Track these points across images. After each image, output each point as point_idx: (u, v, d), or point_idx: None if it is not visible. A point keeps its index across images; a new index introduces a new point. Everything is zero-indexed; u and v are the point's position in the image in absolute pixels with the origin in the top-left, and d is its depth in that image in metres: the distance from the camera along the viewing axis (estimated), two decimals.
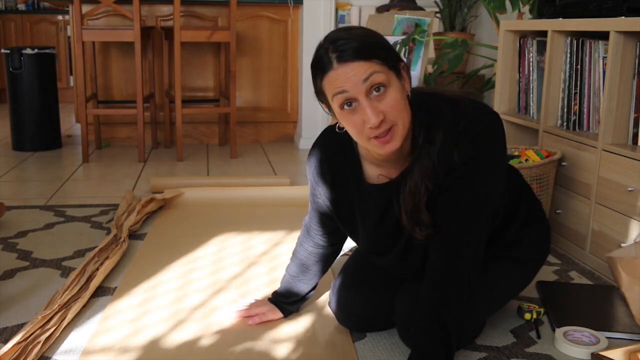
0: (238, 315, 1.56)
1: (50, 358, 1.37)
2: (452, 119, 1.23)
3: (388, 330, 1.51)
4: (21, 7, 6.08)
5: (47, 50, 3.65)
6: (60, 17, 5.98)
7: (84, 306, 1.60)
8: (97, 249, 1.93)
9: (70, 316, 1.51)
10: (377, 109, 1.16)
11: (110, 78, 3.86)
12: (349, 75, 1.15)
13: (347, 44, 1.15)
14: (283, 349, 1.42)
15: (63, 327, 1.48)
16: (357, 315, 1.49)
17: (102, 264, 1.82)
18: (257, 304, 1.59)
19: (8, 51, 3.57)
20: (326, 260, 1.56)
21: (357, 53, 1.15)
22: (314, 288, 1.60)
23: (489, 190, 1.26)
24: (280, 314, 1.57)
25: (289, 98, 4.06)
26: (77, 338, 1.46)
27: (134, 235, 2.17)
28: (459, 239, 1.26)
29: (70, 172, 3.15)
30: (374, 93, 1.16)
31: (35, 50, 3.58)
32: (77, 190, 2.82)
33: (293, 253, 1.59)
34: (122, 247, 1.96)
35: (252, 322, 1.53)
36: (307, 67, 3.99)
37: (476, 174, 1.24)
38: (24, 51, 3.55)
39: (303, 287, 1.57)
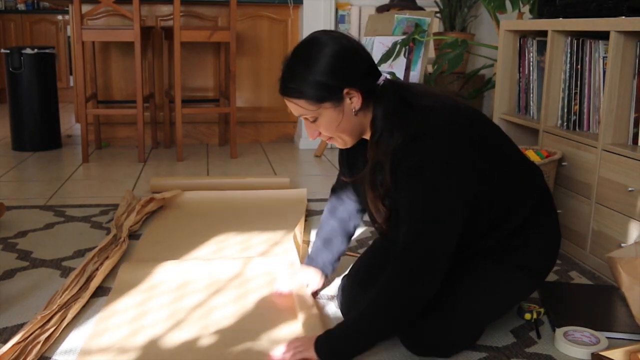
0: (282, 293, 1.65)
1: (50, 358, 1.37)
2: (404, 126, 1.29)
3: None
4: (21, 7, 6.08)
5: (47, 50, 3.65)
6: (60, 17, 5.98)
7: (84, 306, 1.60)
8: (96, 249, 1.93)
9: (70, 316, 1.51)
10: (312, 128, 1.36)
11: (110, 78, 3.86)
12: (289, 107, 1.36)
13: (282, 79, 1.33)
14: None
15: (63, 327, 1.47)
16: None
17: (101, 264, 1.82)
18: (296, 275, 1.68)
19: (8, 51, 3.57)
20: (351, 228, 1.68)
21: (286, 92, 1.33)
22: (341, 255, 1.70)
23: (436, 195, 1.26)
24: (321, 278, 1.67)
25: None
26: (77, 338, 1.45)
27: (133, 235, 2.17)
28: (415, 231, 1.27)
29: (70, 172, 3.15)
30: (308, 120, 1.35)
31: (35, 50, 3.58)
32: (77, 190, 2.82)
33: (318, 229, 1.70)
34: (122, 247, 1.96)
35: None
36: None
37: (417, 183, 1.27)
38: (23, 51, 3.55)
39: (331, 254, 1.67)
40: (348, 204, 1.66)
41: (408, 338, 1.40)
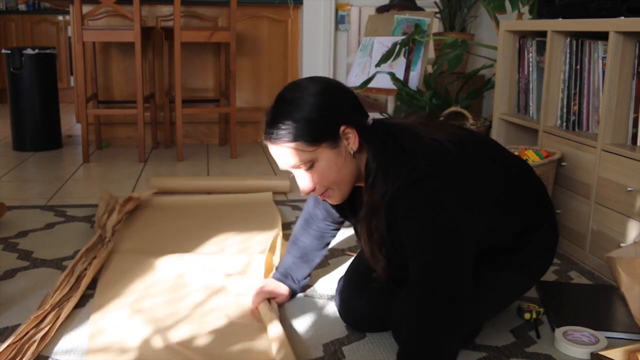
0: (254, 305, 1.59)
1: (49, 357, 1.37)
2: (398, 169, 1.21)
3: (388, 331, 1.51)
4: (22, 7, 6.08)
5: (48, 51, 3.65)
6: (60, 18, 5.98)
7: (77, 305, 1.61)
8: (83, 249, 1.93)
9: (63, 315, 1.52)
10: (306, 179, 1.26)
11: (110, 78, 3.86)
12: (277, 156, 1.25)
13: (270, 124, 1.23)
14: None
15: (57, 326, 1.48)
16: (359, 315, 1.51)
17: (90, 263, 1.83)
18: (262, 286, 1.63)
19: (9, 51, 3.58)
20: (327, 242, 1.67)
21: (277, 137, 1.22)
22: (314, 268, 1.70)
23: (440, 249, 1.19)
24: (286, 290, 1.64)
25: None
26: (75, 337, 1.46)
27: (117, 234, 2.17)
28: (423, 280, 1.20)
29: (71, 172, 3.16)
30: (302, 168, 1.24)
31: (36, 51, 3.58)
32: (77, 190, 2.82)
33: (292, 240, 1.67)
34: (108, 246, 1.97)
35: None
36: (307, 68, 4.00)
37: (420, 225, 1.20)
38: (24, 51, 3.55)
39: (305, 268, 1.67)
40: (323, 220, 1.63)
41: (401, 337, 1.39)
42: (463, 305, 1.19)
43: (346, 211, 1.46)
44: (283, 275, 1.66)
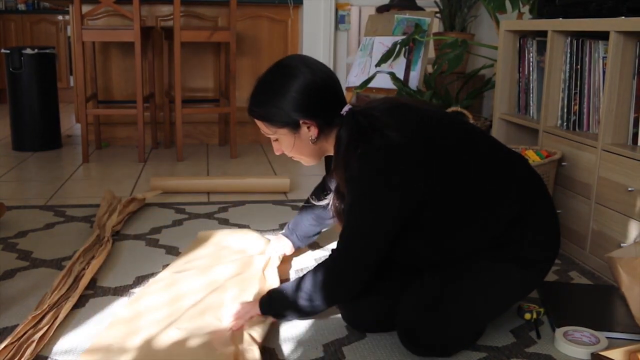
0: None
1: (48, 357, 1.37)
2: (358, 142, 1.37)
3: (388, 331, 1.51)
4: (21, 7, 6.08)
5: (47, 51, 3.65)
6: (60, 17, 5.98)
7: (76, 306, 1.61)
8: (81, 249, 1.93)
9: (62, 315, 1.51)
10: (276, 146, 1.51)
11: (110, 78, 3.86)
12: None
13: (250, 99, 1.47)
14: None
15: (56, 326, 1.48)
16: (359, 315, 1.51)
17: (88, 263, 1.83)
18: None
19: (8, 51, 3.57)
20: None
21: (250, 112, 1.47)
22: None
23: (366, 212, 1.35)
24: (290, 245, 1.89)
25: None
26: (74, 337, 1.46)
27: (116, 234, 2.17)
28: (346, 239, 1.38)
29: (70, 172, 3.15)
30: (271, 138, 1.49)
31: (36, 51, 3.58)
32: (77, 190, 2.82)
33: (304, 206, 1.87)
34: (107, 246, 1.97)
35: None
36: None
37: (354, 196, 1.37)
38: (24, 51, 3.55)
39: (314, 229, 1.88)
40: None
41: (406, 338, 1.40)
42: (358, 286, 1.39)
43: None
44: (289, 231, 1.90)
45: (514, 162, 1.48)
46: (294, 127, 1.42)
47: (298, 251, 1.97)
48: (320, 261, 1.46)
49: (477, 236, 1.40)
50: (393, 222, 1.35)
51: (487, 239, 1.40)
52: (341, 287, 1.40)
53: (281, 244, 1.90)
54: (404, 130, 1.35)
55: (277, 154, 1.53)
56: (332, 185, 1.61)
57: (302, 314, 1.46)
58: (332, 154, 1.47)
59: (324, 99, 1.42)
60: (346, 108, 1.42)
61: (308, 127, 1.42)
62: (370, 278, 1.40)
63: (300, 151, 1.48)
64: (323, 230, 1.91)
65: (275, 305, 1.47)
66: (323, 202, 1.71)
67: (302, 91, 1.39)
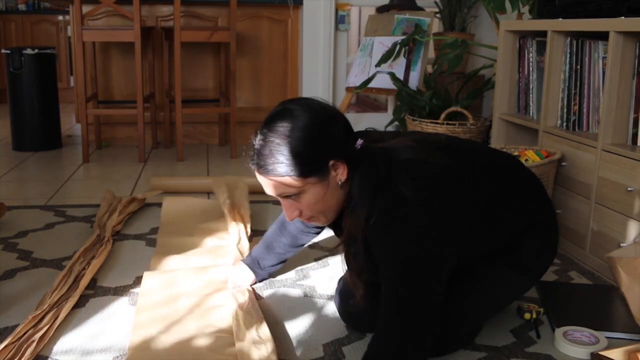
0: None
1: (48, 357, 1.37)
2: (378, 197, 1.21)
3: None
4: (21, 7, 6.08)
5: (48, 51, 3.65)
6: (60, 18, 5.98)
7: (76, 306, 1.61)
8: (81, 249, 1.93)
9: (62, 315, 1.52)
10: (293, 206, 1.27)
11: (110, 78, 3.86)
12: (265, 185, 1.26)
13: (258, 155, 1.22)
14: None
15: (56, 326, 1.48)
16: (358, 315, 1.51)
17: (88, 263, 1.83)
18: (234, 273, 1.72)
19: (8, 51, 3.57)
20: (302, 244, 1.73)
21: (266, 170, 1.22)
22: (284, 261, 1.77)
23: (418, 269, 1.19)
24: (252, 277, 1.72)
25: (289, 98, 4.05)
26: (74, 337, 1.46)
27: (116, 234, 2.17)
28: (394, 300, 1.19)
29: (71, 172, 3.15)
30: (289, 198, 1.25)
31: (36, 51, 3.58)
32: (77, 190, 2.82)
33: (264, 240, 1.73)
34: (107, 246, 1.97)
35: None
36: (307, 67, 4.00)
37: (390, 258, 1.20)
38: (24, 51, 3.55)
39: (273, 259, 1.74)
40: (299, 231, 1.68)
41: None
42: (428, 329, 1.20)
43: (334, 228, 1.45)
44: (251, 261, 1.74)
45: (518, 175, 1.46)
46: (323, 172, 1.22)
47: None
48: (319, 262, 1.42)
49: (482, 249, 1.40)
50: (444, 275, 1.23)
51: (493, 250, 1.41)
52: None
53: (243, 276, 1.72)
54: (428, 174, 1.26)
55: (291, 219, 1.28)
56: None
57: None
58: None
59: (338, 130, 1.24)
60: (360, 141, 1.26)
61: (336, 170, 1.23)
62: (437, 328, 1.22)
63: (328, 204, 1.26)
64: (289, 257, 1.76)
65: None
66: (301, 246, 1.69)
67: (314, 126, 1.21)
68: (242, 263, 1.75)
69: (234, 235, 1.98)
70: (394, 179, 1.22)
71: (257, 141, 1.23)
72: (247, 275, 1.73)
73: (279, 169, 1.21)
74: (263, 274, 1.75)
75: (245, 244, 1.94)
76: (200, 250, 1.99)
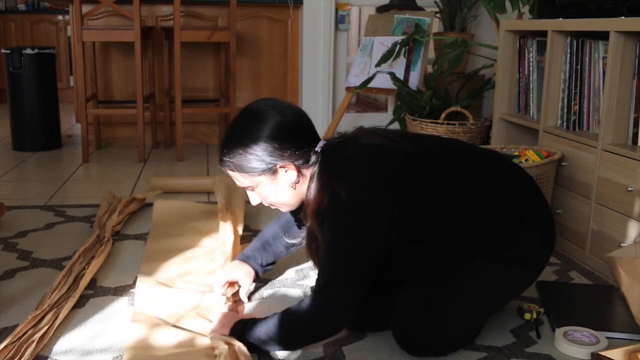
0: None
1: (48, 358, 1.37)
2: (334, 179, 1.33)
3: (388, 331, 1.51)
4: (21, 7, 6.08)
5: (47, 51, 3.65)
6: (60, 17, 5.98)
7: (76, 306, 1.61)
8: (81, 249, 1.93)
9: (62, 315, 1.51)
10: (254, 196, 1.45)
11: (110, 78, 3.86)
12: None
13: (220, 151, 1.39)
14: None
15: (56, 326, 1.48)
16: (359, 314, 1.50)
17: (88, 263, 1.83)
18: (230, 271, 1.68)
19: (8, 51, 3.57)
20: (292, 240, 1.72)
21: (222, 164, 1.40)
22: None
23: (350, 245, 1.31)
24: (249, 272, 1.67)
25: (289, 98, 4.06)
26: (74, 337, 1.46)
27: (116, 234, 2.17)
28: (330, 273, 1.33)
29: (71, 172, 3.15)
30: (247, 188, 1.43)
31: (35, 51, 3.58)
32: (77, 190, 2.82)
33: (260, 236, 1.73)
34: (107, 246, 1.97)
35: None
36: (307, 67, 4.00)
37: (334, 232, 1.33)
38: (24, 51, 3.55)
39: (270, 257, 1.72)
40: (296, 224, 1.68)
41: (402, 339, 1.41)
42: (341, 324, 1.35)
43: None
44: (246, 257, 1.70)
45: (500, 168, 1.48)
46: (272, 173, 1.37)
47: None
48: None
49: (475, 241, 1.41)
50: (377, 251, 1.33)
51: (482, 242, 1.41)
52: (330, 320, 1.33)
53: (243, 272, 1.68)
54: (382, 165, 1.34)
55: (255, 204, 1.46)
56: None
57: (281, 349, 1.39)
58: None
59: (296, 139, 1.36)
60: (321, 144, 1.39)
61: (285, 171, 1.37)
62: (357, 308, 1.34)
63: (281, 199, 1.42)
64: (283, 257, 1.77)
65: (252, 338, 1.37)
66: (296, 240, 1.64)
67: (274, 135, 1.34)
68: (237, 261, 1.71)
69: (221, 238, 1.97)
70: (342, 173, 1.33)
71: (223, 138, 1.41)
72: (247, 270, 1.67)
73: (232, 166, 1.38)
74: (260, 270, 1.72)
75: (228, 248, 1.88)
76: (190, 254, 1.97)
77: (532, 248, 1.45)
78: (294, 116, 1.38)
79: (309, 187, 1.39)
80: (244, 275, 1.66)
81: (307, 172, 1.39)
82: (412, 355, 1.41)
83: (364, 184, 1.32)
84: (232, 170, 1.38)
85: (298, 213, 1.51)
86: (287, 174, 1.38)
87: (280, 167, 1.36)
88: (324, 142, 1.40)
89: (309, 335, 1.37)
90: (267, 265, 1.72)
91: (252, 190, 1.42)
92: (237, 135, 1.37)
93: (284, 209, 1.49)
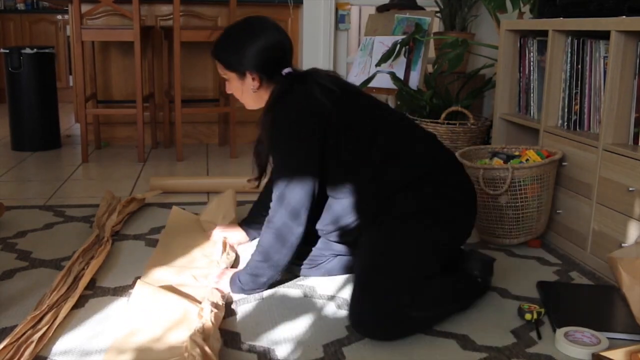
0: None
1: (47, 358, 1.37)
2: (279, 103, 1.66)
3: None
4: (20, 6, 6.08)
5: (47, 50, 3.65)
6: (59, 17, 5.98)
7: (75, 306, 1.60)
8: (80, 250, 1.93)
9: (61, 316, 1.51)
10: (227, 86, 1.77)
11: (109, 78, 3.85)
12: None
13: (215, 42, 1.73)
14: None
15: (55, 326, 1.47)
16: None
17: (87, 263, 1.83)
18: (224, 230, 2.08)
19: (7, 51, 3.57)
20: None
21: (212, 53, 1.74)
22: None
23: (286, 156, 1.64)
24: (244, 235, 2.08)
25: None
26: (74, 338, 1.45)
27: (116, 235, 2.17)
28: (281, 183, 1.62)
29: (70, 172, 3.15)
30: (224, 78, 1.76)
31: (35, 50, 3.58)
32: (76, 190, 2.82)
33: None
34: (107, 247, 1.97)
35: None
36: (307, 67, 3.99)
37: (273, 145, 1.67)
38: (23, 51, 3.55)
39: None
40: None
41: (352, 322, 1.50)
42: (303, 204, 1.59)
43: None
44: (246, 223, 2.10)
45: (431, 138, 1.71)
46: (241, 75, 1.69)
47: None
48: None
49: (383, 195, 1.59)
50: (313, 160, 1.60)
51: (390, 183, 1.59)
52: (295, 227, 1.60)
53: (234, 234, 2.07)
54: (313, 91, 1.63)
55: (228, 92, 1.79)
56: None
57: (272, 273, 1.66)
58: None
59: (272, 60, 1.68)
60: (287, 70, 1.69)
61: (253, 78, 1.68)
62: (311, 212, 1.61)
63: (242, 95, 1.75)
64: None
65: (246, 280, 1.67)
66: None
67: (257, 50, 1.66)
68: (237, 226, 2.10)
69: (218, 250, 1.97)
70: (291, 96, 1.65)
71: (221, 34, 1.73)
72: (239, 235, 2.06)
73: (216, 54, 1.73)
74: (255, 234, 2.05)
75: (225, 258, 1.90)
76: (193, 259, 1.97)
77: (433, 196, 1.58)
78: (282, 40, 1.70)
79: (268, 99, 1.69)
80: (237, 233, 2.06)
81: (269, 86, 1.70)
82: (367, 337, 1.47)
83: (297, 110, 1.63)
84: (215, 59, 1.72)
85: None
86: (253, 81, 1.69)
87: (247, 72, 1.68)
88: (291, 69, 1.70)
89: (283, 244, 1.61)
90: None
91: (227, 82, 1.75)
92: (232, 37, 1.70)
93: (247, 106, 1.80)
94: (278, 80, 1.69)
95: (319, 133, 1.60)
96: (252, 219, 2.10)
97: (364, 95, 1.76)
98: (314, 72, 1.72)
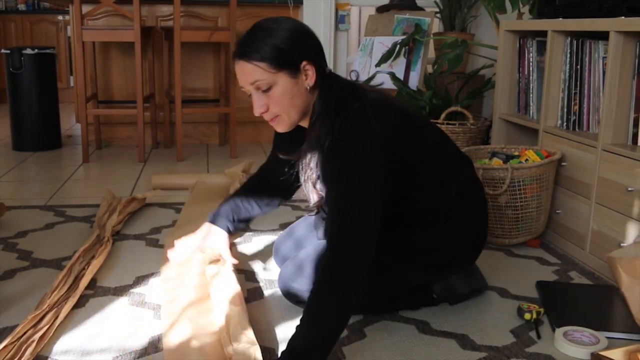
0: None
1: (48, 358, 1.37)
2: (336, 122, 1.35)
3: (388, 330, 1.51)
4: (21, 7, 6.08)
5: (47, 51, 3.65)
6: (60, 17, 5.98)
7: (76, 306, 1.61)
8: (81, 250, 1.93)
9: (62, 315, 1.51)
10: (262, 101, 1.37)
11: (110, 78, 3.86)
12: (241, 73, 1.36)
13: (242, 42, 1.36)
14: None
15: (56, 326, 1.48)
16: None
17: (88, 263, 1.83)
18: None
19: (8, 51, 3.57)
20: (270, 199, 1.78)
21: (245, 53, 1.34)
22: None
23: (349, 194, 1.31)
24: (226, 237, 1.71)
25: None
26: (74, 337, 1.46)
27: (116, 234, 2.17)
28: (335, 223, 1.31)
29: (71, 172, 3.15)
30: (261, 88, 1.36)
31: (36, 51, 3.58)
32: (77, 190, 2.82)
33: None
34: (107, 247, 1.97)
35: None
36: None
37: (334, 180, 1.35)
38: (24, 51, 3.55)
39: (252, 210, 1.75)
40: (273, 182, 1.74)
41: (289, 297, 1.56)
42: (365, 269, 1.28)
43: (293, 146, 1.51)
44: (214, 216, 1.72)
45: (464, 162, 1.62)
46: (295, 69, 1.35)
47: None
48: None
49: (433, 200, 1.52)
50: (377, 197, 1.33)
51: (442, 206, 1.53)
52: (349, 281, 1.26)
53: (215, 240, 1.70)
54: (378, 112, 1.38)
55: (258, 113, 1.39)
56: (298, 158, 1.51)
57: (334, 336, 1.27)
58: (305, 121, 1.45)
59: (315, 43, 1.39)
60: (329, 68, 1.43)
61: (306, 73, 1.37)
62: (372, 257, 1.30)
63: (295, 102, 1.37)
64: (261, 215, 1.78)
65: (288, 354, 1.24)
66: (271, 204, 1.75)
67: (297, 30, 1.36)
68: (207, 224, 1.72)
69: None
70: (354, 107, 1.36)
71: (244, 35, 1.37)
72: (218, 234, 1.70)
73: (258, 53, 1.33)
74: (232, 225, 1.71)
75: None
76: None
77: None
78: (310, 29, 1.41)
79: (315, 103, 1.40)
80: (216, 241, 1.70)
81: (318, 87, 1.39)
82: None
83: (366, 141, 1.33)
84: (257, 60, 1.33)
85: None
86: (308, 75, 1.37)
87: (303, 65, 1.35)
88: (331, 69, 1.43)
89: (339, 312, 1.26)
90: (240, 221, 1.73)
91: (267, 91, 1.36)
92: (262, 29, 1.36)
93: (286, 122, 1.42)
94: (326, 79, 1.41)
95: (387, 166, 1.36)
96: (227, 208, 1.74)
97: (428, 126, 1.55)
98: (360, 89, 1.44)
